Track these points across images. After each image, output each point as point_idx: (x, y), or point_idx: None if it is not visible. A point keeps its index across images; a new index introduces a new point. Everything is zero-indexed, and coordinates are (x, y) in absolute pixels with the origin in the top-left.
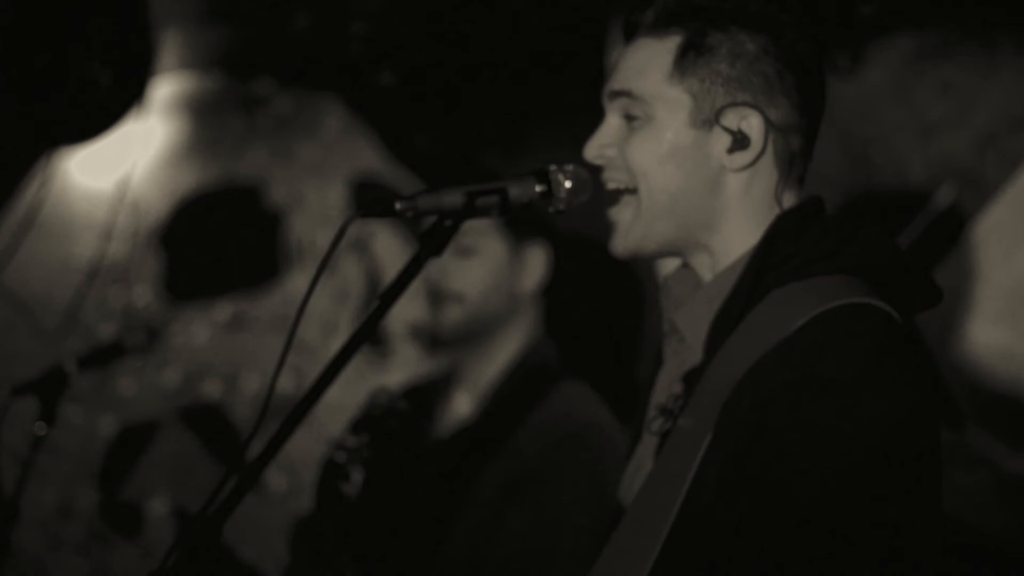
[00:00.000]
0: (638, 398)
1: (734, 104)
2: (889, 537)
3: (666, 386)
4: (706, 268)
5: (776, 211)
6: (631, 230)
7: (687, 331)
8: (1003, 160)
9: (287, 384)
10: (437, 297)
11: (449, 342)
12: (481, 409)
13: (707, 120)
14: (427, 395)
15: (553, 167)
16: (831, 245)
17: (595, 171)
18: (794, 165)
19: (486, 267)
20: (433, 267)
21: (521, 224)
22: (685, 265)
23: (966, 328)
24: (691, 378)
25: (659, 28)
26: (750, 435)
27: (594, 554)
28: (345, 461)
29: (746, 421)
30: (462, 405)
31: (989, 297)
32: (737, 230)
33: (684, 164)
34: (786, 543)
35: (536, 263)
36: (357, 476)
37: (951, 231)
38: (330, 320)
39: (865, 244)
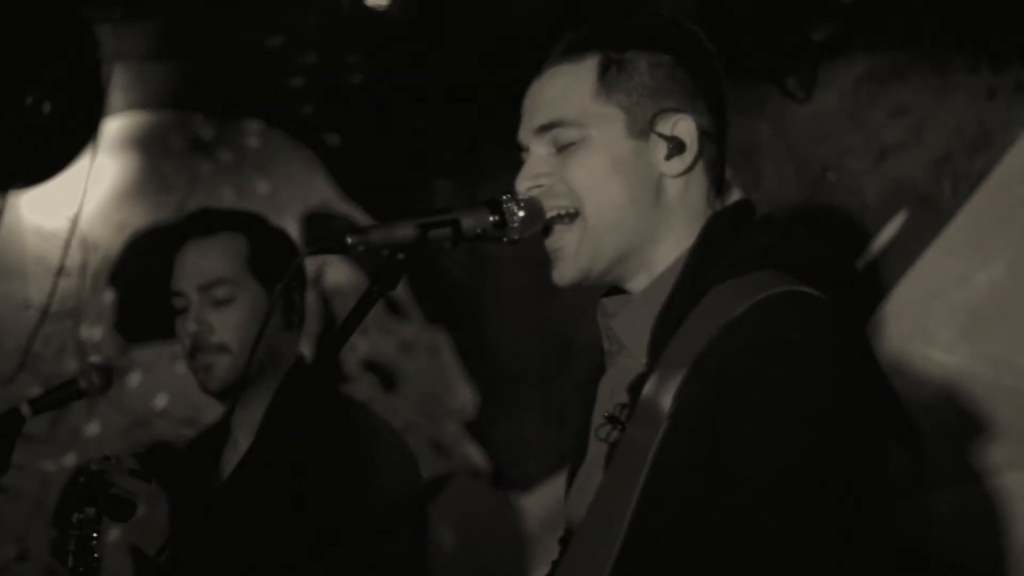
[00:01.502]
0: (577, 415)
1: (665, 110)
2: (848, 504)
3: (609, 396)
4: (643, 278)
5: (709, 214)
6: (579, 253)
7: (628, 339)
8: (958, 181)
9: None
10: (202, 350)
11: (218, 393)
12: (252, 441)
13: (643, 130)
14: (212, 440)
15: (506, 196)
16: (766, 242)
17: None
18: (717, 170)
19: (246, 315)
20: (193, 321)
21: (269, 269)
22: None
23: (924, 350)
24: (637, 385)
25: (573, 54)
26: (707, 411)
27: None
28: (77, 535)
29: (701, 400)
30: (242, 443)
31: (947, 319)
32: (675, 238)
33: (628, 176)
34: (746, 515)
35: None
36: (90, 549)
37: (907, 253)
38: None
39: (799, 241)
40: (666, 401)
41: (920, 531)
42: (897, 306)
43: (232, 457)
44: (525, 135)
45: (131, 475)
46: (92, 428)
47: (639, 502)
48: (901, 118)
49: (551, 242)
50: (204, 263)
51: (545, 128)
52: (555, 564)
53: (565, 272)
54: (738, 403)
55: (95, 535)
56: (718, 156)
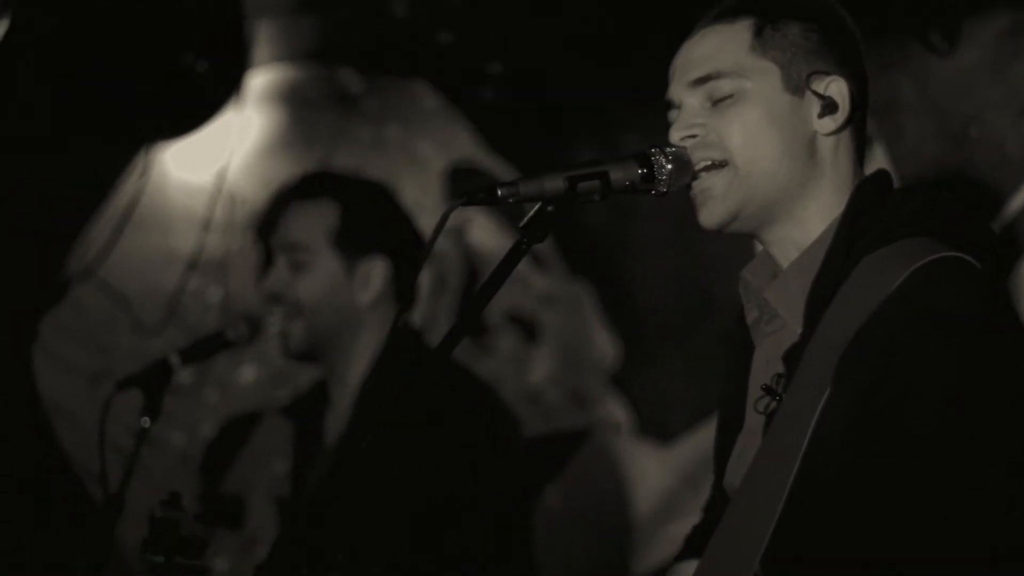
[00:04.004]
0: (727, 387)
1: (819, 72)
2: (1013, 477)
3: (764, 366)
4: (791, 245)
5: (855, 180)
6: (727, 195)
7: (782, 308)
8: None
9: None
10: (276, 310)
11: (295, 353)
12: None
13: (798, 86)
14: (312, 404)
15: (654, 149)
16: (913, 210)
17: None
18: (862, 138)
19: (319, 283)
20: (273, 278)
21: (358, 241)
22: (762, 253)
23: None
24: (793, 355)
25: (726, 17)
26: (873, 382)
27: None
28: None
29: (868, 371)
30: (340, 405)
31: None
32: (825, 200)
33: (783, 129)
34: (908, 487)
35: (375, 277)
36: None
37: None
38: (427, 309)
39: (943, 208)
40: (827, 371)
41: None
42: None
43: (332, 419)
44: (677, 91)
45: (195, 519)
46: (238, 379)
47: (800, 469)
48: None
49: (699, 184)
50: (292, 226)
51: (701, 81)
52: (700, 529)
53: (713, 212)
54: (902, 377)
55: None
56: (862, 124)
